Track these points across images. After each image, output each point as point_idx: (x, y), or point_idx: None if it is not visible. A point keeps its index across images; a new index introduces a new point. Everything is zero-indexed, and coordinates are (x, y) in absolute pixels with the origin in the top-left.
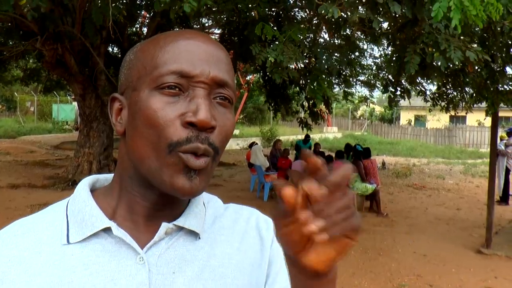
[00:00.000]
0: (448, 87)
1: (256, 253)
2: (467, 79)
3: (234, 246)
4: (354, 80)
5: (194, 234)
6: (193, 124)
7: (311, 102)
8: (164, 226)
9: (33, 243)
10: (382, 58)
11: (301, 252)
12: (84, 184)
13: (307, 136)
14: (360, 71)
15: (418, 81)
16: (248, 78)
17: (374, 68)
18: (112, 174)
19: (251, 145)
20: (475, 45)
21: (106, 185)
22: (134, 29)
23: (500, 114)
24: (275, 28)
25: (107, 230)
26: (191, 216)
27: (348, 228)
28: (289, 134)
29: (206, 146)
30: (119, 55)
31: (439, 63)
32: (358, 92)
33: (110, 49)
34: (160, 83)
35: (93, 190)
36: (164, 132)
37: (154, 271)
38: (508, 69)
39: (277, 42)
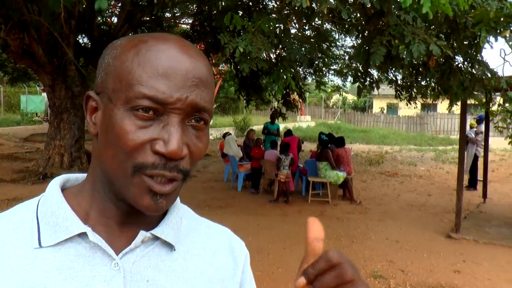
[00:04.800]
0: (411, 79)
1: (229, 270)
2: (428, 73)
3: (206, 261)
4: (326, 70)
5: (169, 245)
6: (162, 154)
7: (283, 92)
8: (142, 234)
9: (1, 246)
10: (353, 50)
11: None
12: (55, 184)
13: (273, 117)
14: (332, 60)
15: (388, 70)
16: (220, 67)
17: (346, 57)
18: (83, 175)
19: (225, 135)
20: (441, 40)
21: (77, 185)
22: (104, 19)
23: (469, 101)
24: (245, 18)
25: (82, 234)
26: (169, 227)
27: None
28: (263, 123)
29: (174, 174)
30: (89, 45)
31: (404, 56)
32: (331, 81)
33: (80, 39)
34: (135, 105)
35: (63, 189)
36: (132, 153)
37: (128, 278)
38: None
39: (245, 33)
